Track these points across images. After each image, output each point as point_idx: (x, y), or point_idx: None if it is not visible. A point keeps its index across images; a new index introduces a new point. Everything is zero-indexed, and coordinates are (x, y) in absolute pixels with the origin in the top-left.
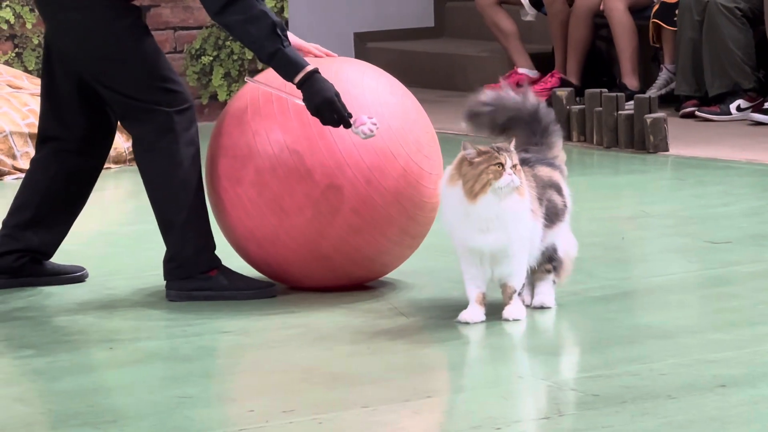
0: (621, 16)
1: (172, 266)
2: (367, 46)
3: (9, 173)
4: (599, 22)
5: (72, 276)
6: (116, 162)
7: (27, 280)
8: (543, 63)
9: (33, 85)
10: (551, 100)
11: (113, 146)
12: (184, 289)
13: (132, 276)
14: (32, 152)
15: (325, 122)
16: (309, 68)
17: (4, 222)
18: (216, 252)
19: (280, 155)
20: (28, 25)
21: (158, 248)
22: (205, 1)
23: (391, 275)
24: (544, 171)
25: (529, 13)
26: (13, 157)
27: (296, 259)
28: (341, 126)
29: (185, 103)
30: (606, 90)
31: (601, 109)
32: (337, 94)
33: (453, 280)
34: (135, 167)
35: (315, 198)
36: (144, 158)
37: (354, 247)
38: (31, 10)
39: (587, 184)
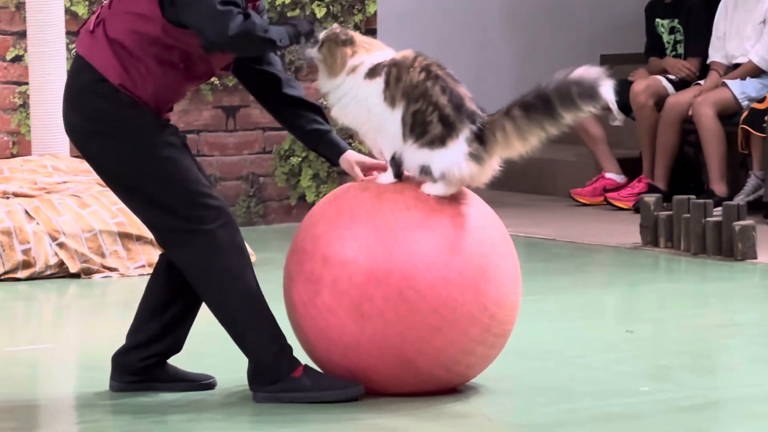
0: (710, 122)
1: (255, 375)
2: None
3: (98, 272)
4: (688, 128)
5: (201, 383)
6: None
7: (151, 385)
8: (631, 168)
9: None
10: (639, 206)
11: None
12: (271, 391)
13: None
14: (121, 251)
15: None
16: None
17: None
18: (295, 354)
19: (355, 262)
20: None
21: None
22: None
23: (476, 380)
24: (434, 89)
25: (618, 118)
26: (102, 255)
27: (380, 365)
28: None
29: (223, 217)
30: (694, 196)
31: (688, 215)
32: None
33: (538, 387)
34: None
35: (393, 300)
36: (200, 282)
37: (437, 348)
38: None
39: (674, 292)
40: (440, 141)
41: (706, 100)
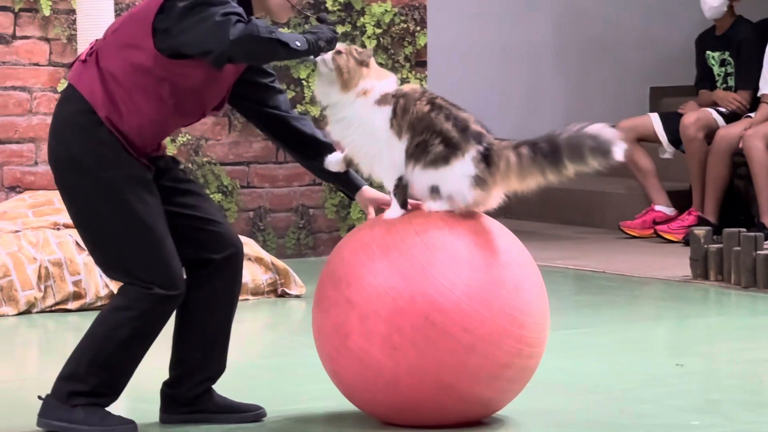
0: (760, 155)
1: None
2: None
3: None
4: (738, 161)
5: (251, 414)
6: (254, 294)
7: (201, 416)
8: (680, 201)
9: None
10: (688, 239)
11: (251, 278)
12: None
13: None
14: None
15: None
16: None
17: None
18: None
19: (378, 297)
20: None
21: (298, 381)
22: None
23: (525, 413)
24: (438, 118)
25: (668, 150)
26: None
27: (422, 395)
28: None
29: (172, 289)
30: (744, 229)
31: (739, 248)
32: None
33: (587, 420)
34: (273, 299)
35: (421, 326)
36: (108, 319)
37: (473, 366)
38: (172, 140)
39: (724, 325)
40: (444, 160)
41: (757, 132)
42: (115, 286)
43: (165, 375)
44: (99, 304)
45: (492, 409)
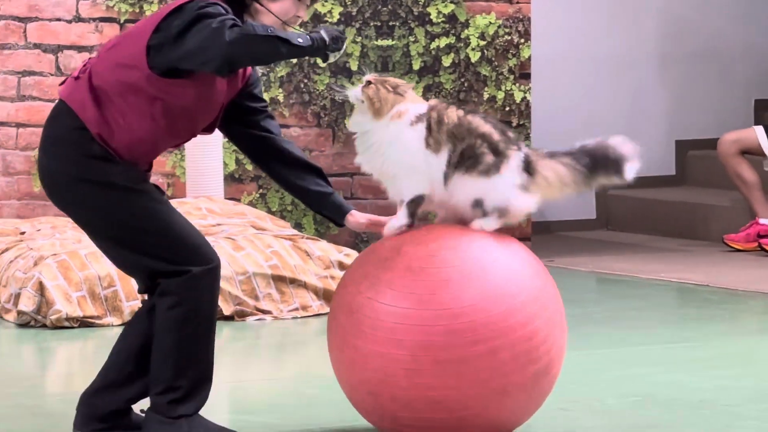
0: None
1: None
2: (608, 193)
3: (251, 314)
4: None
5: None
6: None
7: None
8: None
9: (276, 227)
10: None
11: None
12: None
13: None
14: (275, 294)
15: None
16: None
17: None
18: None
19: (401, 324)
20: None
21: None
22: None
23: None
24: (475, 120)
25: None
26: (256, 298)
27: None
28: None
29: (210, 262)
30: None
31: None
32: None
33: None
34: None
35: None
36: (172, 321)
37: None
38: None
39: None
40: (495, 168)
41: None
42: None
43: (270, 388)
44: None
45: (541, 390)
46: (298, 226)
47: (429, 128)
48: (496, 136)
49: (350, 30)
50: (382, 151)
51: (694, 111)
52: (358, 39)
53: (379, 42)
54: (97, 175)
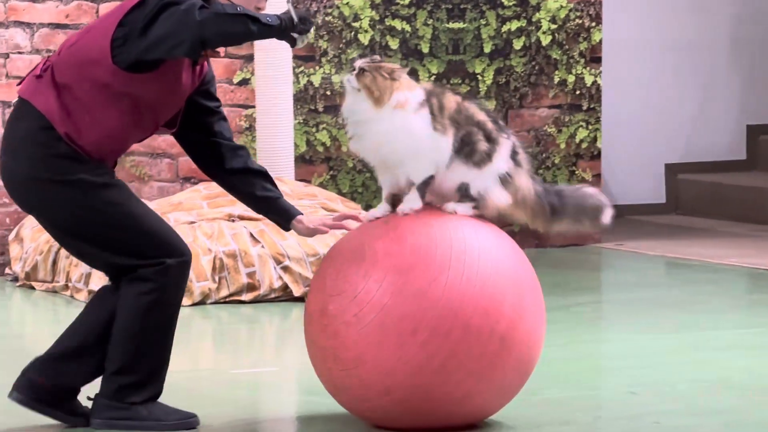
0: None
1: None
2: (678, 178)
3: None
4: None
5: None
6: None
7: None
8: None
9: (347, 208)
10: None
11: None
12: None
13: None
14: None
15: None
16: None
17: None
18: None
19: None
20: (344, 148)
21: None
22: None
23: (694, 415)
24: (471, 108)
25: None
26: None
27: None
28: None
29: (181, 256)
30: None
31: None
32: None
33: (758, 422)
34: None
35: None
36: (136, 310)
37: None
38: (346, 133)
39: None
40: (488, 156)
41: None
42: (290, 279)
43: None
44: (273, 296)
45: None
46: (368, 207)
47: (432, 114)
48: (489, 125)
49: (422, 12)
50: (388, 140)
51: (766, 95)
52: (430, 21)
53: (450, 25)
54: (65, 175)
